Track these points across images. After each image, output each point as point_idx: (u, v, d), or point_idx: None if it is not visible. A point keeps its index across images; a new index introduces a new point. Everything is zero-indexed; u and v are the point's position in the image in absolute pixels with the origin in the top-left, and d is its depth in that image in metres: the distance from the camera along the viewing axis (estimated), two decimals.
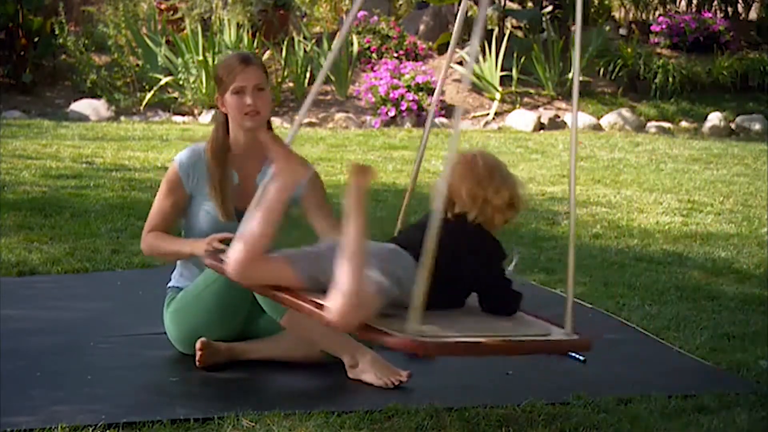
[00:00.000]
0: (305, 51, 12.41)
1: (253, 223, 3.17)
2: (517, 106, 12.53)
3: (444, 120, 12.07)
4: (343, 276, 2.96)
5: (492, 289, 3.26)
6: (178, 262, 4.01)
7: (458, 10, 13.32)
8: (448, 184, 3.16)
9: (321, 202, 3.99)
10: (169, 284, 4.02)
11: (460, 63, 12.91)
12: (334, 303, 2.94)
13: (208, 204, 3.90)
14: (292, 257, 3.20)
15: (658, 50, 13.47)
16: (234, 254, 3.16)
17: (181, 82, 11.76)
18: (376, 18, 13.23)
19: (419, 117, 11.94)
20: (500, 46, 12.54)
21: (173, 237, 3.95)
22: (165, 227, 3.94)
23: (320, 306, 3.01)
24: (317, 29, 13.50)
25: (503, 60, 12.55)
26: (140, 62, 12.12)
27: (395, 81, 12.05)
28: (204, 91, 11.65)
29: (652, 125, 12.49)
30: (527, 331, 3.15)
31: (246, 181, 3.92)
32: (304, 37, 12.70)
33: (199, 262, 3.79)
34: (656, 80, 12.85)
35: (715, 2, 14.55)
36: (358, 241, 3.00)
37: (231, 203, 3.88)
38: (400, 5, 14.83)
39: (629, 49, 12.99)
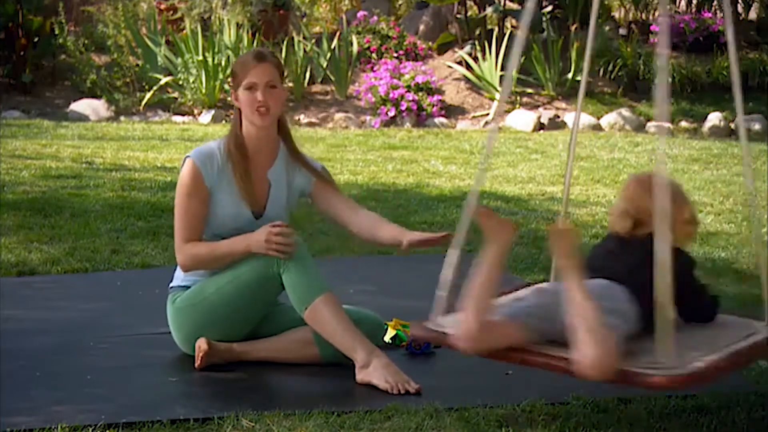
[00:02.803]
0: (305, 51, 12.41)
1: (474, 290, 3.19)
2: (517, 106, 12.52)
3: (444, 120, 12.07)
4: (582, 328, 2.99)
5: (690, 298, 3.34)
6: None
7: (458, 9, 13.04)
8: (632, 205, 3.32)
9: (335, 189, 4.05)
10: (172, 284, 3.99)
11: (460, 63, 12.92)
12: (585, 356, 2.97)
13: (226, 199, 3.89)
14: (517, 318, 3.23)
15: (658, 50, 13.46)
16: (465, 326, 3.17)
17: (180, 82, 11.76)
18: (375, 18, 13.23)
19: (419, 117, 11.94)
20: (500, 46, 12.54)
21: (213, 242, 3.88)
22: (199, 232, 3.88)
23: (566, 360, 3.02)
24: (317, 29, 13.51)
25: (503, 60, 12.56)
26: (140, 62, 12.11)
27: (395, 81, 12.04)
28: (203, 91, 11.65)
29: (652, 125, 12.48)
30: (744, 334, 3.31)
31: (258, 177, 3.94)
32: (304, 37, 12.70)
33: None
34: (656, 80, 12.84)
35: (715, 2, 14.54)
36: (583, 293, 3.05)
37: (257, 195, 3.91)
38: (400, 5, 14.84)
39: (629, 49, 12.98)
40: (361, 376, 3.66)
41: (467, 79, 12.76)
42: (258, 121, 3.88)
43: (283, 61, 12.12)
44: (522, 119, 12.16)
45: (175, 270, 4.02)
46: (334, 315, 3.71)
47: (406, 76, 12.16)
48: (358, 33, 13.05)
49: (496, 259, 3.22)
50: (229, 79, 4.13)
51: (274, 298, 3.88)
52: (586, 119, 12.33)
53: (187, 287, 3.92)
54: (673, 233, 3.14)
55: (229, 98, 11.95)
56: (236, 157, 3.89)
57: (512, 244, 3.39)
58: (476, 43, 12.88)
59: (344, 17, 13.22)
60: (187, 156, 3.94)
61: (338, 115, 11.88)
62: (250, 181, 3.89)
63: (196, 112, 11.77)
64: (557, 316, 3.13)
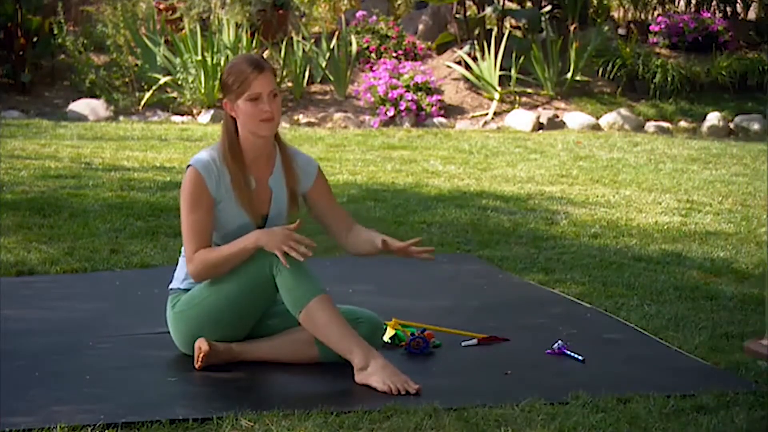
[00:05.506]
0: (304, 51, 12.40)
1: None
2: (516, 105, 12.53)
3: (443, 120, 12.08)
4: None
5: None
6: (181, 264, 3.97)
7: (457, 9, 13.05)
8: None
9: (330, 197, 4.05)
10: (172, 286, 3.98)
11: (459, 63, 12.92)
12: None
13: (229, 210, 3.84)
14: None
15: (657, 50, 13.47)
16: None
17: (179, 82, 11.76)
18: (374, 18, 13.23)
19: (418, 117, 11.94)
20: (499, 45, 12.55)
21: (221, 246, 3.81)
22: (208, 240, 3.80)
23: None
24: (316, 29, 13.51)
25: (502, 60, 12.56)
26: (139, 62, 12.11)
27: (394, 81, 12.05)
28: (202, 90, 11.65)
29: (650, 125, 12.49)
30: None
31: (260, 185, 3.91)
32: (303, 37, 12.70)
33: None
34: (655, 80, 12.85)
35: (714, 2, 14.54)
36: None
37: (257, 206, 3.89)
38: (399, 5, 14.83)
39: (628, 49, 12.98)
40: (359, 378, 3.65)
41: (466, 79, 12.76)
42: (265, 130, 3.81)
43: (282, 62, 12.22)
44: (521, 119, 12.17)
45: (174, 271, 4.01)
46: (330, 317, 3.70)
47: (405, 76, 12.16)
48: (357, 33, 13.05)
49: None
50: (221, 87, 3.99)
51: (270, 300, 3.86)
52: (585, 119, 12.34)
53: (186, 290, 3.91)
54: None
55: None
56: (234, 167, 3.83)
57: None
58: (475, 42, 12.88)
59: (343, 17, 13.23)
60: (189, 164, 3.86)
61: (337, 115, 11.89)
62: (251, 191, 3.87)
63: (195, 111, 11.77)
64: None
